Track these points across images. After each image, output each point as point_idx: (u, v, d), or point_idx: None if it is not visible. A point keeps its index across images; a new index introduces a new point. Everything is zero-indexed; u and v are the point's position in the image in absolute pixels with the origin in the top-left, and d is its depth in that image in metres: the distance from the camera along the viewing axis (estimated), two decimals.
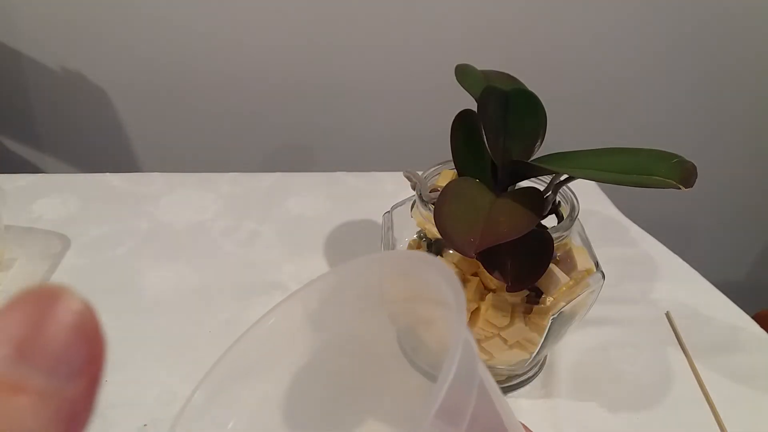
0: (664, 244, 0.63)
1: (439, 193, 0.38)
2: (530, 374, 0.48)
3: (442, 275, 0.19)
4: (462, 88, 0.42)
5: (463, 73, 0.44)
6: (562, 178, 0.40)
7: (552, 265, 0.40)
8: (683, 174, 0.34)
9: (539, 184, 0.44)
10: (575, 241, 0.43)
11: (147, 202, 0.66)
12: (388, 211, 0.48)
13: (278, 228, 0.64)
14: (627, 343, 0.51)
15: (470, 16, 0.94)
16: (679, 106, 1.05)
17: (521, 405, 0.46)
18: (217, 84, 0.99)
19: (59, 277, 0.55)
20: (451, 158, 0.43)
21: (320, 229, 0.63)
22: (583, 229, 0.45)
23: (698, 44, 0.98)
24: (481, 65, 0.46)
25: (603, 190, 0.71)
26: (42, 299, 0.12)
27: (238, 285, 0.56)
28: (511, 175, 0.41)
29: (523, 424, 0.24)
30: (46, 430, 0.11)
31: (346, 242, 0.62)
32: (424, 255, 0.21)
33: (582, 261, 0.42)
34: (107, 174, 0.70)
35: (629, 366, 0.49)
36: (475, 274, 0.41)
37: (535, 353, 0.43)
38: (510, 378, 0.47)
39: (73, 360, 0.12)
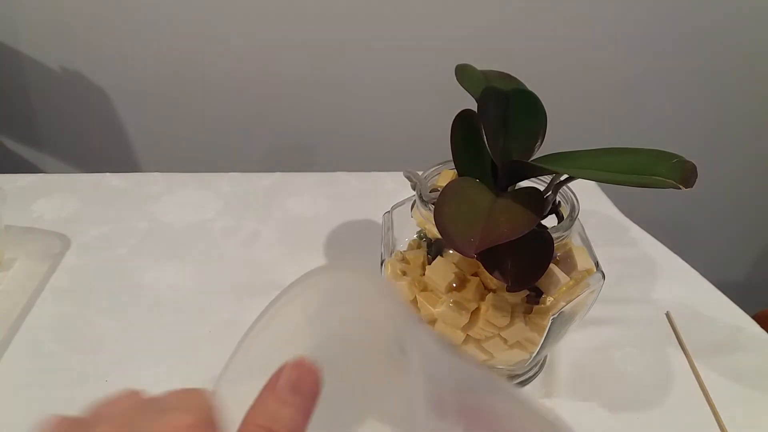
0: (664, 244, 0.63)
1: (439, 193, 0.38)
2: (530, 374, 0.48)
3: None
4: (462, 88, 0.42)
5: (463, 73, 0.44)
6: (562, 178, 0.40)
7: (552, 265, 0.40)
8: (683, 174, 0.34)
9: (539, 184, 0.44)
10: (575, 241, 0.43)
11: (147, 202, 0.66)
12: (388, 211, 0.48)
13: (278, 228, 0.64)
14: (627, 343, 0.51)
15: (470, 16, 0.94)
16: (679, 107, 1.05)
17: None
18: (216, 84, 0.99)
19: (59, 277, 0.55)
20: (451, 158, 0.43)
21: (320, 229, 0.63)
22: (583, 229, 0.45)
23: (698, 45, 0.98)
24: (481, 65, 0.46)
25: (603, 190, 0.71)
26: None
27: (238, 285, 0.56)
28: (511, 175, 0.41)
29: None
30: None
31: (346, 242, 0.62)
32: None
33: (582, 261, 0.42)
34: (107, 174, 0.70)
35: (629, 366, 0.49)
36: (475, 274, 0.41)
37: (535, 353, 0.43)
38: (510, 378, 0.47)
39: None
